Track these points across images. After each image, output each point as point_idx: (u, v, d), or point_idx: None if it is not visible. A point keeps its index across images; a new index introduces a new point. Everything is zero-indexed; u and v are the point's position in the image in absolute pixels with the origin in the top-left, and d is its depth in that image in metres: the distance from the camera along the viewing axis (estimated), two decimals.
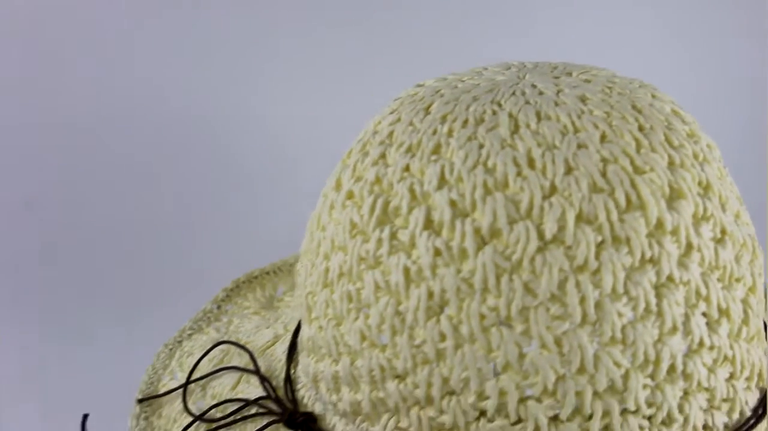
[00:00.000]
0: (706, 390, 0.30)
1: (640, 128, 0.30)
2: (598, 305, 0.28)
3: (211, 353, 0.44)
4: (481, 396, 0.29)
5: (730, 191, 0.32)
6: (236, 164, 0.71)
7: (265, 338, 0.44)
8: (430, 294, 0.29)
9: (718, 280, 0.30)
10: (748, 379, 0.32)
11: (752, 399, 0.32)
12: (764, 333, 0.33)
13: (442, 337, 0.29)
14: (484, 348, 0.28)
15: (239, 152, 0.73)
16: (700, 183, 0.30)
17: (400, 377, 0.30)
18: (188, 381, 0.42)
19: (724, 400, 0.31)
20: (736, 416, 0.31)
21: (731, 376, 0.31)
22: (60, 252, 0.64)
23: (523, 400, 0.29)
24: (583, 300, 0.28)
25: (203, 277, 0.50)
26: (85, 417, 0.42)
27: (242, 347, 0.42)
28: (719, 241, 0.30)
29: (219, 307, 0.51)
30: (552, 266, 0.28)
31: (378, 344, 0.30)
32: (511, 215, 0.28)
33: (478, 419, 0.29)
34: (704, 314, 0.29)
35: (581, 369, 0.28)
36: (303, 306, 0.35)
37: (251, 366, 0.41)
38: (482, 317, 0.28)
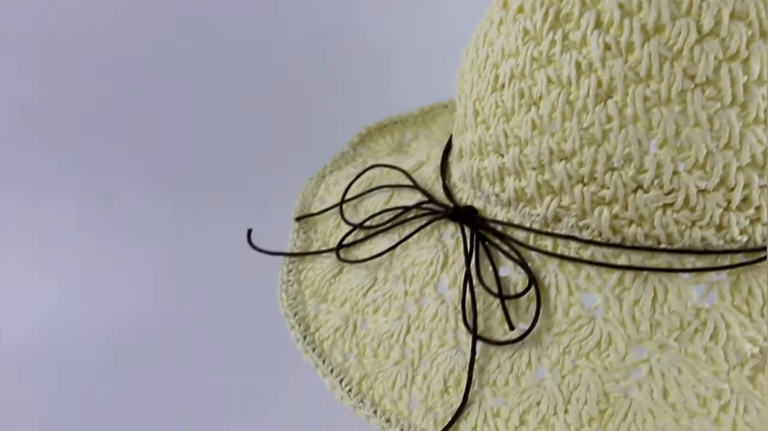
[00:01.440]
0: None
1: None
2: (746, 88, 0.33)
3: (357, 181, 0.50)
4: (640, 169, 0.34)
5: None
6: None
7: (410, 163, 0.49)
8: (599, 83, 0.34)
9: None
10: None
11: None
12: None
13: (609, 119, 0.34)
14: (645, 127, 0.34)
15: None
16: None
17: (567, 158, 0.36)
18: (343, 200, 0.48)
19: None
20: None
21: None
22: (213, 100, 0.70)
23: (676, 173, 0.34)
24: (733, 83, 0.33)
25: (337, 127, 0.56)
26: (249, 231, 0.49)
27: (394, 167, 0.48)
28: None
29: (354, 149, 0.57)
30: (708, 54, 0.33)
31: (547, 131, 0.36)
32: (673, 12, 0.33)
33: (635, 191, 0.35)
34: None
35: (728, 145, 0.33)
36: (468, 115, 0.41)
37: (404, 185, 0.47)
38: (646, 99, 0.33)
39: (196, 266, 0.51)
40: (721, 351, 0.34)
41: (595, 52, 0.34)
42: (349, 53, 0.75)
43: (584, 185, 0.36)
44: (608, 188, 0.35)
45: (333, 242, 0.47)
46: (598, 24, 0.34)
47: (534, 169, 0.37)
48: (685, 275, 0.36)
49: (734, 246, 0.35)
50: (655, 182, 0.34)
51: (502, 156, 0.38)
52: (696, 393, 0.33)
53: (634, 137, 0.34)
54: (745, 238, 0.35)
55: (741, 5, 0.32)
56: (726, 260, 0.35)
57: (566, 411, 0.34)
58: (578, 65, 0.34)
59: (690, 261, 0.35)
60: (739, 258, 0.35)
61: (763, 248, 0.35)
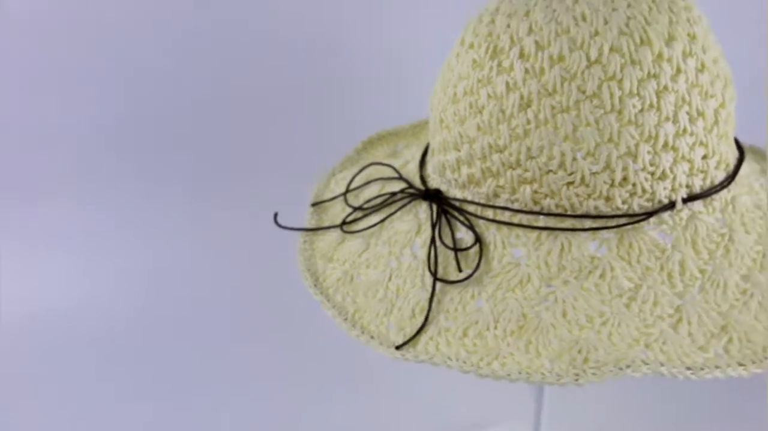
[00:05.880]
0: (688, 161, 0.49)
1: (653, 1, 0.50)
2: (620, 99, 0.47)
3: (358, 177, 0.65)
4: (550, 157, 0.49)
5: (713, 45, 0.51)
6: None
7: (399, 162, 0.65)
8: (521, 97, 0.49)
9: (698, 93, 0.49)
10: (718, 162, 0.51)
11: (720, 176, 0.52)
12: (732, 138, 0.52)
13: (528, 122, 0.49)
14: (553, 127, 0.48)
15: None
16: (689, 35, 0.49)
17: (501, 150, 0.50)
18: (347, 190, 0.63)
19: (700, 171, 0.50)
20: (708, 183, 0.51)
21: (705, 156, 0.50)
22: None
23: (575, 159, 0.49)
24: (611, 96, 0.47)
25: (345, 137, 0.71)
26: (276, 215, 0.64)
27: (387, 164, 0.64)
28: (700, 70, 0.49)
29: (358, 155, 0.72)
30: (594, 76, 0.47)
31: (487, 131, 0.51)
32: (571, 47, 0.48)
33: (547, 173, 0.49)
34: (687, 113, 0.49)
35: (610, 139, 0.48)
36: (436, 122, 0.56)
37: (393, 177, 0.62)
38: (552, 107, 0.48)
39: (232, 250, 0.67)
40: (606, 285, 0.48)
41: (518, 75, 0.49)
42: (358, 78, 0.92)
43: (513, 169, 0.50)
44: (529, 171, 0.50)
45: (339, 221, 0.62)
46: (521, 55, 0.49)
47: (479, 159, 0.52)
48: (584, 234, 0.50)
49: (618, 212, 0.49)
50: (561, 166, 0.49)
51: (459, 151, 0.53)
52: (585, 313, 0.47)
53: (546, 134, 0.48)
54: (626, 206, 0.49)
55: (617, 42, 0.47)
56: (613, 223, 0.50)
57: (496, 327, 0.48)
58: (507, 84, 0.49)
59: (587, 223, 0.50)
60: (622, 221, 0.49)
61: (640, 214, 0.49)
